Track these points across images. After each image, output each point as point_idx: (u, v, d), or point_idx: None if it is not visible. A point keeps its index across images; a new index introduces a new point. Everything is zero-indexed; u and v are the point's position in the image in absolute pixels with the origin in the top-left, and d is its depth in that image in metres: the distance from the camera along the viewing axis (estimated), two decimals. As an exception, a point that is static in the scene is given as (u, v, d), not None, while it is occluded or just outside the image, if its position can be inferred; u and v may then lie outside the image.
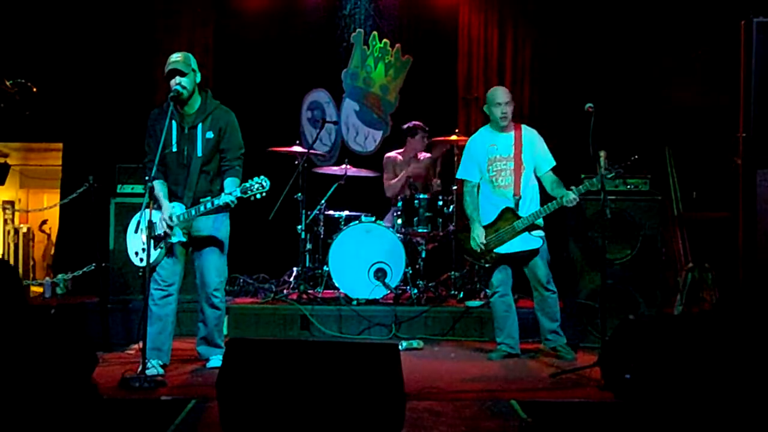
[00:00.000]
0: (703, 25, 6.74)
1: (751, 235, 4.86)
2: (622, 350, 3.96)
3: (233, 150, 4.55)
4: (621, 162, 4.61)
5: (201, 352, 4.72)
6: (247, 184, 4.26)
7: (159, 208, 4.48)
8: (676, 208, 6.53)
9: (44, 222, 9.17)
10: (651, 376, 3.69)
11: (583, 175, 5.62)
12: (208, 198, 4.41)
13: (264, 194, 4.27)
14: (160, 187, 4.50)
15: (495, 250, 4.94)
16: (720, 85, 6.33)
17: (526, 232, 4.88)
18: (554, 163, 5.03)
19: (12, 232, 8.09)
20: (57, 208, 7.07)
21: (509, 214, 4.91)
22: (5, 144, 8.52)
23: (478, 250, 4.97)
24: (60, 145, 7.36)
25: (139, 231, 4.50)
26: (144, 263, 4.41)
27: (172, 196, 4.51)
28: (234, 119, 4.60)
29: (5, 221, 8.21)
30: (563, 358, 4.94)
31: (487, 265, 5.04)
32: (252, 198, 4.26)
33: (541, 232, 4.92)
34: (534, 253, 4.92)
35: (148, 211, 4.23)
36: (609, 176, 4.62)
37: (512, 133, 5.04)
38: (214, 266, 4.61)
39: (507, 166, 4.98)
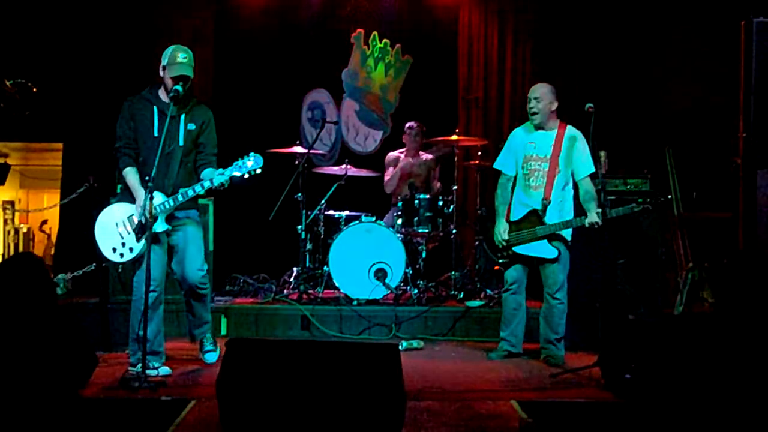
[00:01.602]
0: (703, 25, 6.74)
1: (751, 235, 4.87)
2: (622, 350, 3.97)
3: (210, 146, 4.58)
4: (651, 198, 4.55)
5: (195, 334, 4.80)
6: (240, 162, 4.25)
7: (133, 197, 4.42)
8: (676, 208, 6.53)
9: (44, 222, 9.19)
10: (651, 376, 3.70)
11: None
12: (198, 183, 4.35)
13: (258, 170, 4.24)
14: (134, 175, 4.44)
15: (513, 249, 4.90)
16: (720, 86, 6.33)
17: (546, 240, 4.77)
18: (593, 170, 4.80)
19: (12, 232, 8.10)
20: (57, 208, 7.07)
21: (534, 217, 4.78)
22: (5, 144, 8.53)
23: (499, 245, 4.95)
24: (60, 145, 7.36)
25: (115, 226, 4.44)
26: (124, 258, 4.42)
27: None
28: (212, 117, 4.63)
29: (5, 221, 8.23)
30: (551, 365, 4.77)
31: (501, 261, 5.00)
32: (245, 175, 4.24)
33: (561, 245, 4.78)
34: (549, 261, 4.80)
35: (147, 208, 4.16)
36: (637, 209, 4.52)
37: (554, 132, 4.82)
38: (197, 262, 4.61)
39: (541, 167, 4.80)
